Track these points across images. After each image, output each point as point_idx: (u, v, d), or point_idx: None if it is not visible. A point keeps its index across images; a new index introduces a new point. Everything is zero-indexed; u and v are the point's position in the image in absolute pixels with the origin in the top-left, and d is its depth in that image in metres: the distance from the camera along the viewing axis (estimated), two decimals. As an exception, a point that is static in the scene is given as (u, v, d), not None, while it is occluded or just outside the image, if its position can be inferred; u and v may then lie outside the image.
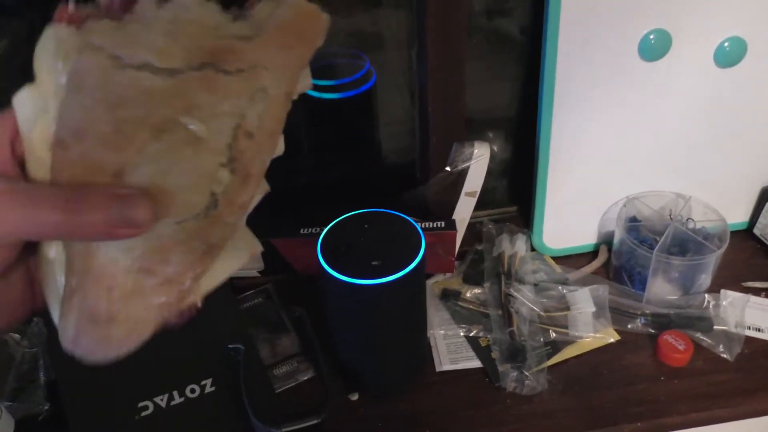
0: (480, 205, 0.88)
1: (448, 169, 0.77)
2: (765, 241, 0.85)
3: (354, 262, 0.60)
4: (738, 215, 0.87)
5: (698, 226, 0.79)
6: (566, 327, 0.75)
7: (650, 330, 0.74)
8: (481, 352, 0.73)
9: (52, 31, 0.28)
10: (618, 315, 0.76)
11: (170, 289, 0.29)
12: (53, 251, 0.30)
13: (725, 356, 0.71)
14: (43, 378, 0.63)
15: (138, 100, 0.27)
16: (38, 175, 0.28)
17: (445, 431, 0.66)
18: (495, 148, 0.90)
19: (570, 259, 0.86)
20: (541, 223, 0.84)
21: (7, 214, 0.26)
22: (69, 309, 0.29)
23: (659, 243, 0.74)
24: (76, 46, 0.27)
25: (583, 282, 0.80)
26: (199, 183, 0.28)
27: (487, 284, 0.79)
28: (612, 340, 0.74)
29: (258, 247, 0.34)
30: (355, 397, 0.70)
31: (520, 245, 0.83)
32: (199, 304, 0.32)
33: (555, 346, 0.73)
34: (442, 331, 0.76)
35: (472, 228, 0.86)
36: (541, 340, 0.73)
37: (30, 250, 0.30)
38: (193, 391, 0.66)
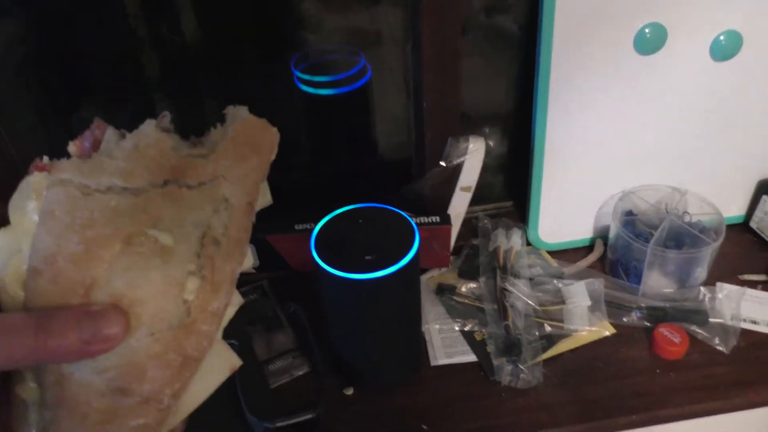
0: (476, 200, 0.88)
1: (443, 164, 0.77)
2: (761, 235, 0.85)
3: (347, 256, 0.60)
4: (734, 208, 0.87)
5: (694, 219, 0.79)
6: (561, 321, 0.75)
7: (646, 323, 0.74)
8: (477, 346, 0.73)
9: (26, 180, 0.30)
10: (613, 308, 0.76)
11: (148, 409, 0.29)
12: (28, 392, 0.30)
13: (721, 349, 0.71)
14: None
15: (105, 218, 0.28)
16: (11, 310, 0.29)
17: (441, 425, 0.66)
18: (491, 143, 0.90)
19: (566, 254, 0.86)
20: (536, 218, 0.84)
21: None
22: None
23: (655, 236, 0.74)
24: (46, 185, 0.29)
25: (579, 276, 0.80)
26: (170, 291, 0.29)
27: (482, 279, 0.79)
28: (607, 333, 0.74)
29: (237, 362, 0.34)
30: (350, 391, 0.70)
31: (516, 240, 0.83)
32: (181, 429, 0.32)
33: (550, 340, 0.73)
34: (437, 326, 0.76)
35: (468, 223, 0.86)
36: (537, 333, 0.73)
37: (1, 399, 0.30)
38: (188, 386, 0.66)
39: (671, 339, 0.70)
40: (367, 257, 0.60)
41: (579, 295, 0.76)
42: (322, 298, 0.65)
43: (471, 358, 0.72)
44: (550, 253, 0.86)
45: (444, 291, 0.80)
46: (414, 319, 0.69)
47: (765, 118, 0.78)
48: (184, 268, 0.29)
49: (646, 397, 0.67)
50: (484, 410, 0.67)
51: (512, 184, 0.93)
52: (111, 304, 0.28)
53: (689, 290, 0.76)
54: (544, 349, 0.72)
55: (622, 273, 0.79)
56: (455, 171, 0.77)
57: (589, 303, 0.75)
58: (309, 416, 0.64)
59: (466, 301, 0.79)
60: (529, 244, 0.86)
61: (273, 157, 0.34)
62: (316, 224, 0.64)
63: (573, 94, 0.72)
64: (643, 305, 0.75)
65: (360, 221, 0.64)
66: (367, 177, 0.90)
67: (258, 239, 0.79)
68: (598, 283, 0.76)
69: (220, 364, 0.33)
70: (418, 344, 0.72)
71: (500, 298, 0.76)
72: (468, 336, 0.74)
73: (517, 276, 0.79)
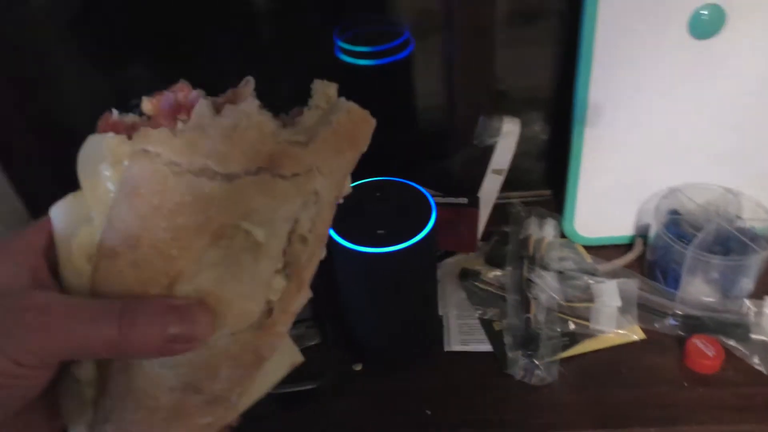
0: (513, 186, 0.84)
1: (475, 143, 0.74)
2: (825, 249, 0.78)
3: (360, 229, 0.58)
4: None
5: (746, 225, 0.72)
6: (588, 319, 0.70)
7: (679, 332, 0.69)
8: (494, 336, 0.70)
9: (96, 138, 0.27)
10: (646, 312, 0.71)
11: (216, 408, 0.28)
12: (84, 371, 0.28)
13: (760, 368, 0.65)
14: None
15: (197, 205, 0.26)
16: (75, 286, 0.27)
17: (445, 412, 0.64)
18: (536, 128, 0.85)
19: (603, 250, 0.81)
20: (573, 209, 0.79)
21: (58, 330, 0.24)
22: None
23: (698, 239, 0.68)
24: (127, 153, 0.26)
25: (613, 275, 0.75)
26: (256, 291, 0.27)
27: (508, 267, 0.76)
28: (636, 338, 0.69)
29: (299, 358, 0.33)
30: (358, 367, 0.68)
31: (549, 230, 0.78)
32: (235, 424, 0.30)
33: (573, 338, 0.69)
34: (455, 311, 0.73)
35: (502, 209, 0.83)
36: (559, 330, 0.69)
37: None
38: (197, 344, 0.67)
39: (705, 351, 0.65)
40: (379, 231, 0.58)
41: (609, 294, 0.71)
42: (334, 269, 0.64)
43: (486, 347, 0.69)
44: (585, 247, 0.81)
45: (468, 276, 0.77)
46: (427, 300, 0.67)
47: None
48: (272, 267, 0.27)
49: (669, 409, 0.63)
50: (492, 403, 0.64)
51: (552, 173, 0.89)
52: (197, 300, 0.26)
53: (732, 301, 0.70)
54: (565, 347, 0.68)
55: (660, 276, 0.74)
56: (487, 152, 0.73)
57: (619, 304, 0.70)
58: (310, 386, 0.64)
59: (490, 288, 0.75)
60: (564, 236, 0.82)
61: (365, 149, 0.31)
62: (340, 195, 0.62)
63: (618, 77, 0.67)
64: (678, 312, 0.70)
65: (378, 194, 0.62)
66: (400, 152, 0.87)
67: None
68: (632, 284, 0.71)
69: (283, 360, 0.32)
70: (431, 327, 0.70)
71: (524, 288, 0.72)
72: (486, 325, 0.72)
73: (545, 268, 0.75)
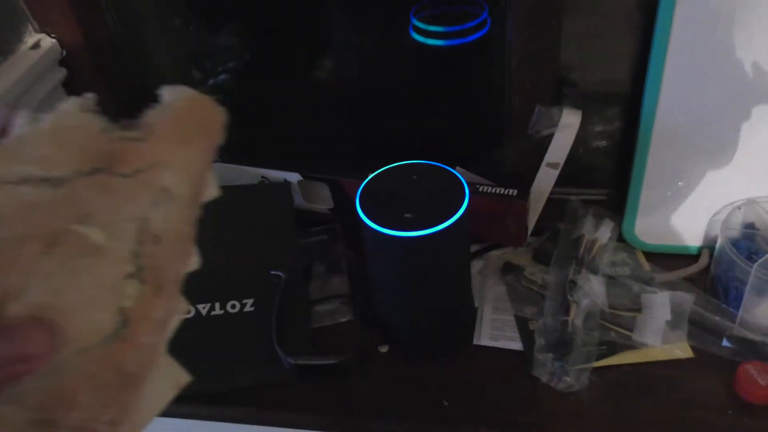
0: (573, 182, 0.80)
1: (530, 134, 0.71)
2: None
3: (389, 211, 0.58)
4: None
5: (830, 248, 0.65)
6: (631, 330, 0.66)
7: (732, 356, 0.63)
8: (527, 335, 0.67)
9: None
10: (698, 330, 0.65)
11: None
12: None
13: (821, 407, 0.59)
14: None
15: (19, 215, 0.24)
16: None
17: (463, 405, 0.63)
18: (604, 122, 0.80)
19: (665, 259, 0.75)
20: (634, 212, 0.74)
21: None
22: None
23: (765, 257, 0.62)
24: None
25: (672, 286, 0.70)
26: (102, 298, 0.25)
27: (554, 266, 0.72)
28: (682, 355, 0.64)
29: (184, 378, 0.30)
30: (384, 349, 0.68)
31: (604, 232, 0.74)
32: None
33: (612, 348, 0.65)
34: (492, 305, 0.71)
35: (558, 204, 0.79)
36: (597, 337, 0.65)
37: None
38: (233, 306, 0.70)
39: (757, 379, 0.59)
40: (406, 215, 0.57)
41: (660, 306, 0.66)
42: (366, 249, 0.64)
43: (517, 346, 0.67)
44: (645, 254, 0.76)
45: (510, 271, 0.74)
46: (457, 289, 0.66)
47: None
48: (120, 270, 0.25)
49: (706, 436, 0.58)
50: (513, 404, 0.62)
51: (618, 172, 0.83)
52: (30, 316, 0.23)
53: (800, 330, 0.63)
54: (601, 356, 0.64)
55: (721, 293, 0.68)
56: (543, 144, 0.70)
57: (668, 317, 0.66)
58: (331, 361, 0.65)
59: (532, 286, 0.72)
60: (622, 239, 0.76)
61: (220, 140, 0.30)
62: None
63: (695, 69, 0.61)
64: (735, 334, 0.64)
65: (414, 177, 0.61)
66: (458, 136, 0.85)
67: (332, 180, 0.79)
68: (687, 298, 0.66)
69: (165, 381, 0.29)
70: (462, 317, 0.69)
71: (566, 290, 0.69)
72: (521, 323, 0.69)
73: (594, 271, 0.70)
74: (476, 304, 0.71)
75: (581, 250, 0.73)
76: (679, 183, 0.71)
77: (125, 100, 0.87)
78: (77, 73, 0.81)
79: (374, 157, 0.80)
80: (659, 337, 0.65)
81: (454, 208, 0.57)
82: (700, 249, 0.75)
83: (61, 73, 0.80)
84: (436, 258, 0.59)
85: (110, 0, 0.81)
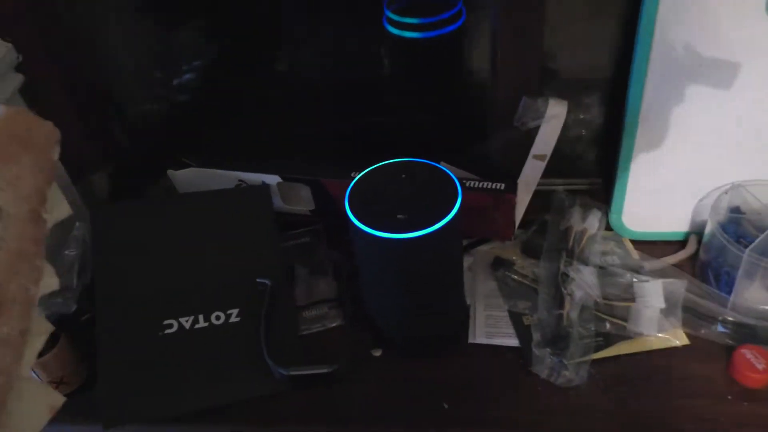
0: (559, 173, 0.79)
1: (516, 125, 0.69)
2: None
3: (379, 212, 0.56)
4: None
5: (817, 228, 0.65)
6: (626, 320, 0.66)
7: (728, 340, 0.63)
8: (522, 331, 0.66)
9: None
10: (692, 317, 0.65)
11: None
12: None
13: (817, 387, 0.59)
14: (76, 282, 0.66)
15: None
16: None
17: (462, 406, 0.61)
18: (588, 111, 0.80)
19: (652, 246, 0.75)
20: (621, 200, 0.74)
21: None
22: None
23: (756, 241, 0.62)
24: None
25: (661, 274, 0.70)
26: None
27: (545, 259, 0.71)
28: (678, 343, 0.64)
29: (57, 400, 0.29)
30: (378, 353, 0.67)
31: (593, 221, 0.73)
32: None
33: (608, 339, 0.65)
34: (484, 302, 0.70)
35: (545, 196, 0.78)
36: (593, 329, 0.64)
37: None
38: (218, 318, 0.66)
39: (754, 364, 0.59)
40: (398, 216, 0.55)
41: (653, 294, 0.66)
42: (354, 251, 0.62)
43: (513, 342, 0.66)
44: (633, 242, 0.75)
45: (500, 266, 0.73)
46: (450, 289, 0.64)
47: None
48: None
49: (707, 423, 0.58)
50: (513, 401, 0.61)
51: (603, 161, 0.83)
52: None
53: (792, 311, 0.64)
54: (598, 348, 0.64)
55: (712, 278, 0.68)
56: (529, 135, 0.69)
57: (663, 305, 0.65)
58: (325, 370, 0.62)
59: (523, 280, 0.72)
60: (610, 228, 0.76)
61: (55, 156, 0.29)
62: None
63: (680, 58, 0.61)
64: (729, 319, 0.64)
65: (403, 176, 0.59)
66: (440, 131, 0.83)
67: (313, 181, 0.77)
68: (679, 285, 0.66)
69: (37, 405, 0.28)
70: (455, 317, 0.67)
71: (559, 283, 0.68)
72: (515, 318, 0.68)
73: (584, 262, 0.70)
74: (468, 302, 0.70)
75: (571, 242, 0.72)
76: (666, 169, 0.71)
77: (85, 105, 0.83)
78: (35, 79, 0.76)
79: (354, 155, 0.78)
80: (654, 325, 0.65)
81: (448, 207, 0.55)
82: (687, 234, 0.75)
83: (18, 79, 0.75)
84: (430, 258, 0.58)
85: (67, 1, 0.77)
